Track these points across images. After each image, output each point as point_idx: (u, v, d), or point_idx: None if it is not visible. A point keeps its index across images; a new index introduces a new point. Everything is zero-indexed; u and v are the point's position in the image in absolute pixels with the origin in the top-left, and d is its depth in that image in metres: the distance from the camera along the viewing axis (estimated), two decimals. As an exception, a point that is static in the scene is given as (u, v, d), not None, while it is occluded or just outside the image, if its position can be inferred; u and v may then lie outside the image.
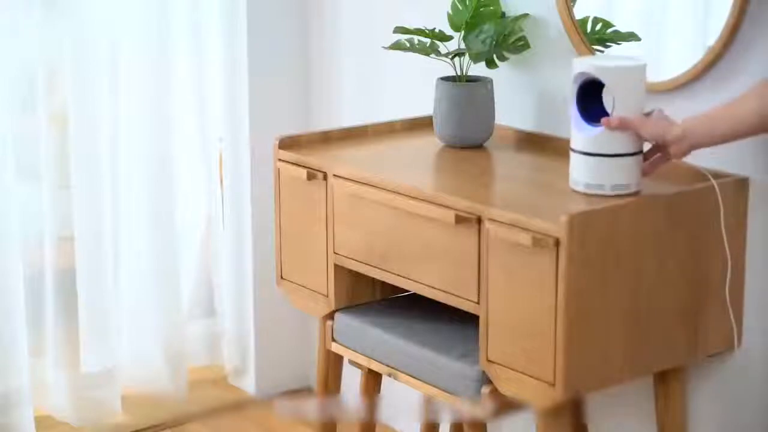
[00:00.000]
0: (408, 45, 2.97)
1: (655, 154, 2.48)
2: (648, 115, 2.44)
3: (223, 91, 3.74)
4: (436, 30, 2.95)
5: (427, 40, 2.98)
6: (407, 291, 2.89)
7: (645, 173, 2.48)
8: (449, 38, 2.97)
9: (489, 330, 2.47)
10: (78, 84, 3.48)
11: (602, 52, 2.83)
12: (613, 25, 2.82)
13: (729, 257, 2.54)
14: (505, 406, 2.52)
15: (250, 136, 3.70)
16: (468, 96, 2.91)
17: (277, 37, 3.69)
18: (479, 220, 2.46)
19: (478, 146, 2.95)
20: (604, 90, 2.46)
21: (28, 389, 3.47)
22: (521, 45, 2.97)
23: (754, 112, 2.34)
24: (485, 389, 2.51)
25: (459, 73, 2.96)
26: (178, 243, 3.71)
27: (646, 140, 2.45)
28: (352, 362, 2.86)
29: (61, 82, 3.51)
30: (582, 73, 2.47)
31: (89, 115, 3.51)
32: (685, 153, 2.42)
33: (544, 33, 2.95)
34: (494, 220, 2.42)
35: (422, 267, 2.61)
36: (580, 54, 2.82)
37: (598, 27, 2.83)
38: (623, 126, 2.41)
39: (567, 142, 2.58)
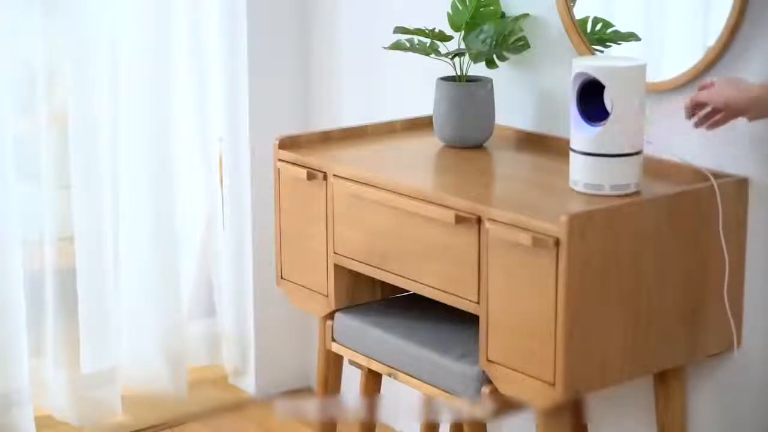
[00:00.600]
0: (408, 45, 2.97)
1: (715, 116, 2.42)
2: (709, 85, 2.42)
3: (223, 91, 3.74)
4: (436, 30, 2.95)
5: (427, 40, 2.98)
6: (407, 291, 2.89)
7: (698, 125, 2.44)
8: (449, 38, 2.97)
9: (489, 330, 2.47)
10: (78, 84, 3.48)
11: (602, 52, 2.83)
12: (613, 25, 2.82)
13: (727, 257, 2.54)
14: (505, 406, 2.52)
15: (250, 136, 3.70)
16: (468, 96, 2.91)
17: (277, 37, 3.69)
18: (479, 220, 2.46)
19: (478, 146, 2.95)
20: (605, 90, 2.46)
21: (28, 389, 3.47)
22: (521, 45, 2.97)
23: None
24: (485, 389, 2.51)
25: (459, 73, 2.96)
26: (178, 243, 3.71)
27: (719, 107, 2.39)
28: (352, 362, 2.86)
29: (61, 82, 3.51)
30: (581, 74, 2.47)
31: (89, 115, 3.50)
32: (761, 117, 2.38)
33: (544, 33, 2.95)
34: (494, 220, 2.42)
35: (422, 267, 2.61)
36: (580, 54, 2.82)
37: (598, 27, 2.83)
38: (697, 104, 2.39)
39: (567, 142, 2.58)
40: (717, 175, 2.53)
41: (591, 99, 2.49)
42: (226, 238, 3.84)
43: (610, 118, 2.44)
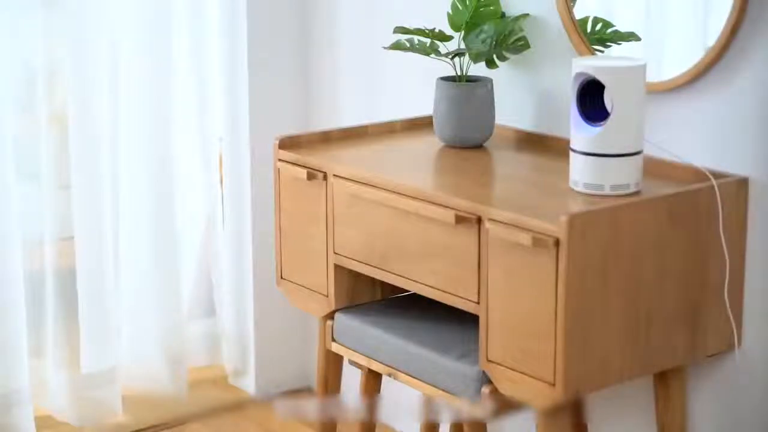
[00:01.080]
0: (408, 45, 2.97)
1: None
2: None
3: (223, 91, 3.74)
4: (436, 30, 2.95)
5: (427, 40, 2.98)
6: (407, 291, 2.89)
7: None
8: (449, 38, 2.97)
9: (489, 330, 2.47)
10: (78, 84, 3.48)
11: (602, 52, 2.83)
12: (613, 25, 2.82)
13: (727, 257, 2.54)
14: (505, 406, 2.52)
15: (250, 136, 3.70)
16: (468, 96, 2.91)
17: (277, 37, 3.69)
18: (479, 220, 2.46)
19: (478, 146, 2.95)
20: (605, 90, 2.46)
21: (28, 389, 3.47)
22: (521, 45, 2.97)
23: None
24: (485, 389, 2.51)
25: (459, 73, 2.96)
26: (178, 243, 3.71)
27: None
28: (352, 362, 2.86)
29: (61, 82, 3.51)
30: (582, 74, 2.47)
31: (89, 115, 3.50)
32: None
33: (544, 33, 2.95)
34: (494, 220, 2.42)
35: (422, 267, 2.61)
36: (580, 54, 2.83)
37: (598, 27, 2.83)
38: None
39: (567, 142, 2.58)
40: (717, 175, 2.53)
41: (591, 99, 2.49)
42: (226, 238, 3.84)
43: (610, 118, 2.45)
